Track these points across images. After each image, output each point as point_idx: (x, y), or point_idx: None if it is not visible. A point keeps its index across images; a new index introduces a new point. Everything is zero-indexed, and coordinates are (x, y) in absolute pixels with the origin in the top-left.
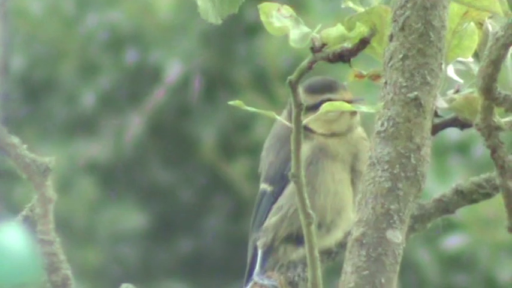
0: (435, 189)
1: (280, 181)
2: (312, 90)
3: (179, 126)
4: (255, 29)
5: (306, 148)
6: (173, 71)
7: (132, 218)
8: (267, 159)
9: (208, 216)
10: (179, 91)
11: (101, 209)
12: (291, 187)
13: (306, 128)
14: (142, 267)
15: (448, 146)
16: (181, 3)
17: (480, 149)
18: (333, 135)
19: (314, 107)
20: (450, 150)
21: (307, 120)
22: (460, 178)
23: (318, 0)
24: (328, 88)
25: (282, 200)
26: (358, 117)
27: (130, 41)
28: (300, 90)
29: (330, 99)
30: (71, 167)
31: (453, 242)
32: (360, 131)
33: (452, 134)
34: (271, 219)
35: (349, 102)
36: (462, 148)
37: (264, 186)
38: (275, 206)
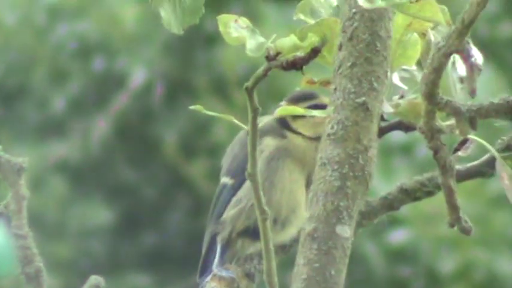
0: (381, 187)
1: (241, 174)
2: (297, 99)
3: (143, 129)
4: (214, 38)
5: (272, 143)
6: (137, 77)
7: (100, 214)
8: (231, 153)
9: (170, 212)
10: (143, 96)
11: (70, 205)
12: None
13: (296, 132)
14: (110, 260)
15: (393, 148)
16: (145, 15)
17: (423, 150)
18: (318, 138)
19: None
20: (395, 151)
21: (299, 127)
22: (404, 177)
23: (272, 12)
24: (310, 96)
25: (241, 193)
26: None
27: (98, 49)
28: (283, 103)
29: (316, 105)
30: (42, 167)
31: (397, 236)
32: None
33: (396, 136)
34: (230, 212)
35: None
36: (406, 149)
37: (225, 179)
38: (234, 199)
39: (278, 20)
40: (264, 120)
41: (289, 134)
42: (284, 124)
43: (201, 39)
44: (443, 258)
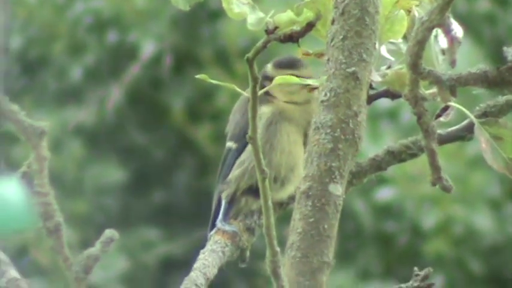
0: (369, 150)
1: (243, 139)
2: (279, 66)
3: (153, 96)
4: (217, 14)
5: (267, 110)
6: (147, 49)
7: (113, 174)
8: (233, 120)
9: (177, 172)
10: (152, 66)
11: (87, 166)
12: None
13: (271, 95)
14: (122, 216)
15: (380, 113)
16: None
17: (407, 116)
18: (293, 103)
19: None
20: (382, 116)
21: (270, 87)
22: (390, 140)
23: None
24: (291, 65)
25: (244, 156)
26: (316, 92)
27: (111, 24)
28: (270, 65)
29: (292, 75)
30: (61, 131)
31: (384, 194)
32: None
33: (383, 103)
34: (235, 172)
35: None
36: (392, 115)
37: (229, 144)
38: (238, 161)
39: None
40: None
41: (274, 100)
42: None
43: (205, 15)
44: (426, 215)
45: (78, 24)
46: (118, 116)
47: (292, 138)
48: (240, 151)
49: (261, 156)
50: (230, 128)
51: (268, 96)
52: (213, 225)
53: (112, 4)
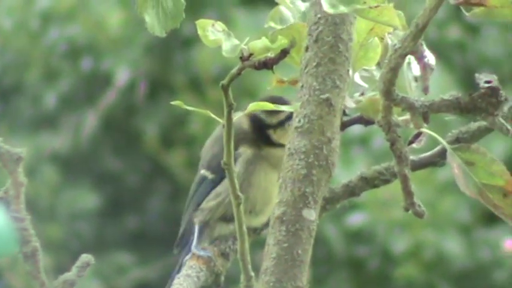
0: (341, 175)
1: (221, 171)
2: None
3: (127, 122)
4: (190, 41)
5: (249, 151)
6: (122, 76)
7: (88, 199)
8: (211, 150)
9: (151, 197)
10: (127, 93)
11: (61, 191)
12: None
13: (276, 144)
14: (97, 241)
15: (352, 139)
16: (129, 20)
17: (378, 142)
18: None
19: (280, 124)
20: (354, 142)
21: (280, 137)
22: (362, 166)
23: (243, 17)
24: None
25: (220, 188)
26: None
27: (86, 51)
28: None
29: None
30: (36, 157)
31: (355, 219)
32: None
33: (355, 129)
34: (209, 203)
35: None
36: (363, 141)
37: (204, 172)
38: (214, 192)
39: (248, 24)
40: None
41: (264, 147)
42: (261, 137)
43: (179, 42)
44: (396, 239)
45: (53, 51)
46: (92, 142)
47: (268, 177)
48: (216, 182)
49: (236, 181)
50: (206, 156)
51: (259, 143)
52: (182, 246)
53: (86, 31)
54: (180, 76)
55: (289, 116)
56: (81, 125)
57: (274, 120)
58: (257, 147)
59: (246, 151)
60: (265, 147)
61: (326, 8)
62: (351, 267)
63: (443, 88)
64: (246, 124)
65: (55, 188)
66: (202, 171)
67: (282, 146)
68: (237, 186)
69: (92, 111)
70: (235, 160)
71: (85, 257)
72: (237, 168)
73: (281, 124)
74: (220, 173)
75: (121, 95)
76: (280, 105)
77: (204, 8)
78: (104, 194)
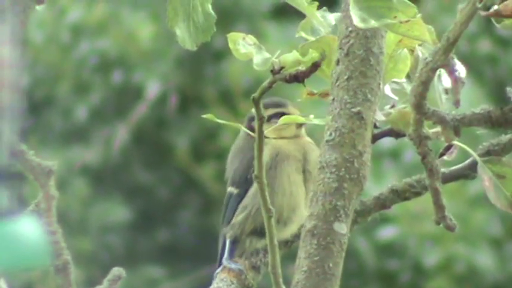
0: (372, 188)
1: (244, 184)
2: (265, 106)
3: (158, 135)
4: (221, 54)
5: (264, 153)
6: (152, 89)
7: (118, 212)
8: (232, 167)
9: (181, 210)
10: (157, 106)
11: (92, 204)
12: (253, 189)
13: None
14: (127, 254)
15: (383, 152)
16: (160, 33)
17: (409, 155)
18: (282, 138)
19: (267, 119)
20: (384, 155)
21: (267, 130)
22: (393, 179)
23: (273, 30)
24: (277, 104)
25: (246, 201)
26: (303, 129)
27: (117, 64)
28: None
29: (283, 113)
30: (67, 170)
31: (387, 233)
32: (306, 138)
33: (386, 142)
34: (238, 217)
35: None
36: (394, 154)
37: (230, 189)
38: (240, 206)
39: (279, 37)
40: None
41: (267, 140)
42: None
43: (210, 55)
44: (428, 253)
45: (84, 64)
46: (123, 155)
47: (292, 179)
48: (241, 196)
49: (267, 194)
50: (229, 174)
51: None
52: (220, 265)
53: (117, 44)
54: (210, 89)
55: (278, 114)
56: (111, 138)
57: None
58: (271, 148)
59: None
60: (277, 145)
61: (356, 22)
62: (382, 280)
63: (473, 101)
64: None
65: (86, 201)
66: (229, 189)
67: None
68: (269, 200)
69: (123, 125)
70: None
71: (116, 270)
72: None
73: (267, 119)
74: (244, 186)
75: (152, 108)
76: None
77: (234, 21)
78: (134, 207)
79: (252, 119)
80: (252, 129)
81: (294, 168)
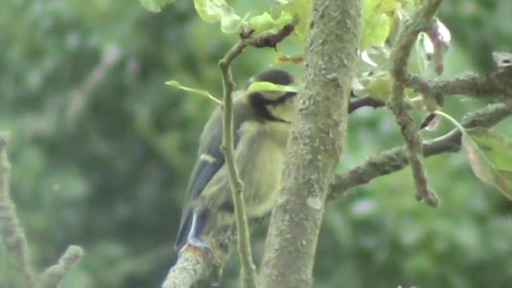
0: (347, 160)
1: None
2: (273, 80)
3: (117, 104)
4: (185, 16)
5: (252, 128)
6: (111, 54)
7: (74, 186)
8: (211, 132)
9: (142, 184)
10: (116, 72)
11: (46, 178)
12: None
13: (277, 119)
14: (84, 231)
15: (359, 122)
16: None
17: (386, 125)
18: (281, 121)
19: (281, 100)
20: (360, 125)
21: (280, 113)
22: (369, 151)
23: None
24: (287, 80)
25: (222, 172)
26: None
27: (72, 27)
28: (253, 79)
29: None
30: (19, 140)
31: (363, 208)
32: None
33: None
34: (210, 189)
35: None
36: (371, 124)
37: (205, 157)
38: (215, 177)
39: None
40: (237, 96)
41: (267, 121)
42: (261, 111)
43: (173, 17)
44: (406, 229)
45: (37, 26)
46: (79, 125)
47: (273, 157)
48: (217, 166)
49: (235, 167)
50: (205, 139)
51: (261, 118)
52: (181, 241)
53: (73, 6)
54: (173, 54)
55: (291, 92)
56: (66, 106)
57: (273, 95)
58: (260, 122)
59: (249, 128)
60: (268, 122)
61: None
62: (358, 258)
63: (456, 67)
64: (245, 98)
65: (39, 173)
66: (203, 156)
67: (286, 121)
68: (237, 172)
69: (79, 92)
70: (238, 139)
71: (73, 249)
72: (240, 147)
73: (281, 100)
74: (222, 156)
75: (110, 74)
76: (282, 86)
77: None
78: (92, 180)
79: (256, 96)
80: (255, 94)
81: (278, 147)
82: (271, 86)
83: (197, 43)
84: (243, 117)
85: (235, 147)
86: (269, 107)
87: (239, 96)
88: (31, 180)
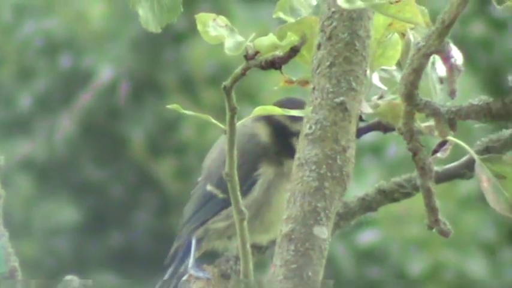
0: (352, 187)
1: None
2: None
3: (109, 127)
4: (182, 36)
5: (270, 171)
6: (104, 75)
7: (66, 213)
8: (222, 167)
9: (137, 211)
10: (109, 94)
11: (36, 204)
12: (247, 200)
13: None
14: (76, 259)
15: (363, 147)
16: (113, 12)
17: (392, 150)
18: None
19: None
20: (365, 151)
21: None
22: (374, 177)
23: (242, 11)
24: (295, 106)
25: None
26: None
27: (65, 46)
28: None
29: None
30: (9, 165)
31: (367, 236)
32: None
33: (367, 136)
34: (217, 224)
35: None
36: (376, 149)
37: (213, 190)
38: (224, 213)
39: (247, 18)
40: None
41: (286, 161)
42: (283, 148)
43: (169, 37)
44: (413, 260)
45: (28, 46)
46: (71, 149)
47: (286, 196)
48: (228, 203)
49: (239, 194)
50: (213, 171)
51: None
52: (174, 267)
53: (65, 25)
54: (169, 75)
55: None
56: (58, 129)
57: (300, 127)
58: (279, 163)
59: (267, 171)
60: (286, 162)
61: (340, 2)
62: None
63: (465, 90)
64: (264, 134)
65: (29, 200)
66: (210, 188)
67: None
68: (241, 200)
69: (70, 114)
70: (255, 182)
71: (70, 279)
72: (256, 191)
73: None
74: None
75: (103, 96)
76: (289, 110)
77: (198, 1)
78: (84, 207)
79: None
80: (279, 126)
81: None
82: (276, 109)
83: (194, 64)
84: (260, 159)
85: (250, 190)
86: (293, 141)
87: (253, 126)
88: (21, 206)
